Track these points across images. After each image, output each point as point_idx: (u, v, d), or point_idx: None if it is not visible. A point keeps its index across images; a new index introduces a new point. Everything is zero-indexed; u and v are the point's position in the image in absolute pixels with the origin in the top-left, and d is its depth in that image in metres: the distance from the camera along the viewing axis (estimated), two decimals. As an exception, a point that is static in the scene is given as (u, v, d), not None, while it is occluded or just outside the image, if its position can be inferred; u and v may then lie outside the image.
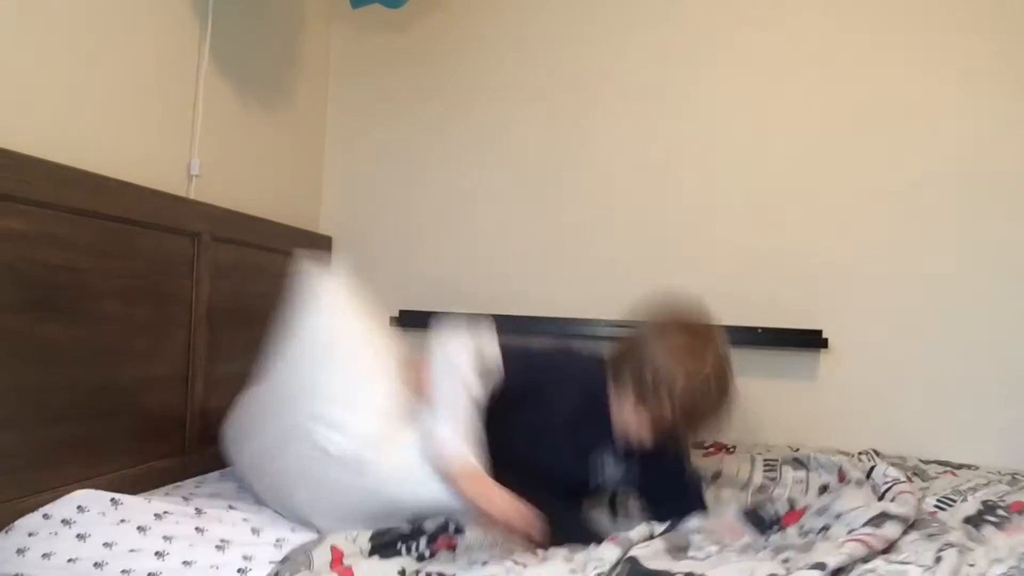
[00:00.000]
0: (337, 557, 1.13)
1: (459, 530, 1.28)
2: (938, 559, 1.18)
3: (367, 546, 1.18)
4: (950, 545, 1.23)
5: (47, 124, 1.45)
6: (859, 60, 2.19)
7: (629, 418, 1.39)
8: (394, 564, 1.11)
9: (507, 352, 1.42)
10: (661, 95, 2.31)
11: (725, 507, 1.55)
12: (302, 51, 2.38)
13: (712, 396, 1.38)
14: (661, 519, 1.39)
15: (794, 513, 1.50)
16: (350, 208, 2.51)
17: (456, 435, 1.25)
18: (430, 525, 1.27)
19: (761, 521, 1.48)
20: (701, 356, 1.36)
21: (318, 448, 1.29)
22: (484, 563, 1.14)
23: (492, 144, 2.43)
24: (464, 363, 1.34)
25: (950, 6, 2.14)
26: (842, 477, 1.69)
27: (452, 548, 1.23)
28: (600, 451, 1.48)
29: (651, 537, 1.22)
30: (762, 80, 2.25)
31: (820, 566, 1.13)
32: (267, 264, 2.10)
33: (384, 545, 1.19)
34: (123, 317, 1.53)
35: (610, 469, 1.48)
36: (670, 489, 1.50)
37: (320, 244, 2.43)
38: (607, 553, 1.12)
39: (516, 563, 1.13)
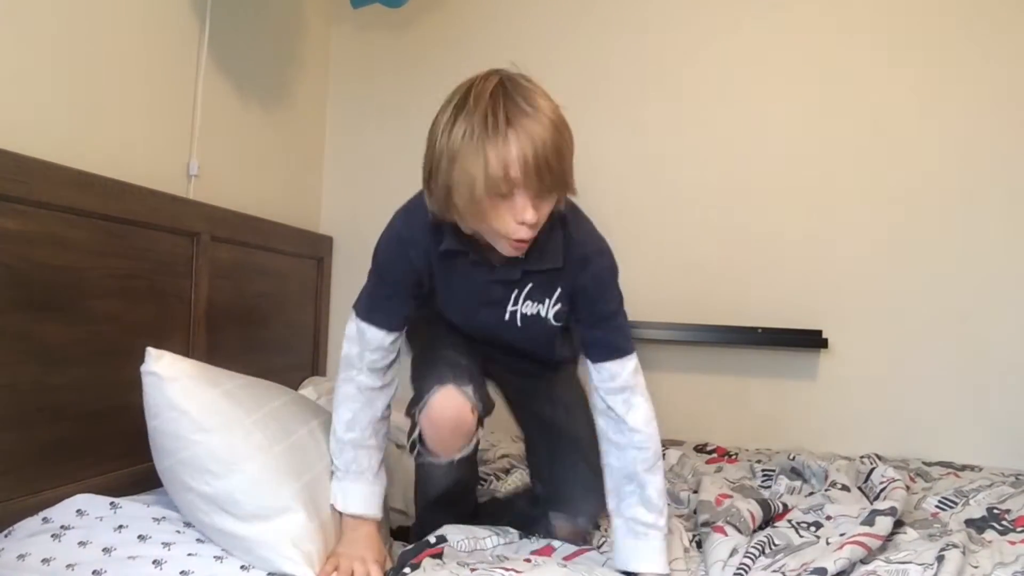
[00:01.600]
0: None
1: (441, 539, 1.27)
2: (940, 558, 1.18)
3: None
4: (953, 546, 1.23)
5: (45, 124, 1.44)
6: (858, 60, 2.19)
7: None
8: None
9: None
10: (661, 95, 2.31)
11: (742, 501, 1.54)
12: (302, 51, 2.37)
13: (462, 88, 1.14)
14: (592, 356, 1.27)
15: (782, 514, 1.50)
16: (350, 208, 2.51)
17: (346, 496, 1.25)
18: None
19: (768, 510, 1.47)
20: None
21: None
22: (473, 570, 1.14)
23: (492, 144, 2.42)
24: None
25: (952, 8, 2.14)
26: (828, 480, 1.69)
27: (438, 556, 1.23)
28: (507, 295, 1.29)
29: None
30: (763, 80, 2.25)
31: (821, 571, 1.13)
32: (267, 264, 2.09)
33: None
34: (122, 317, 1.53)
35: (523, 306, 1.30)
36: (598, 324, 1.29)
37: (320, 244, 2.42)
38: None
39: (507, 570, 1.12)
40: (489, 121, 1.08)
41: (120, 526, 1.19)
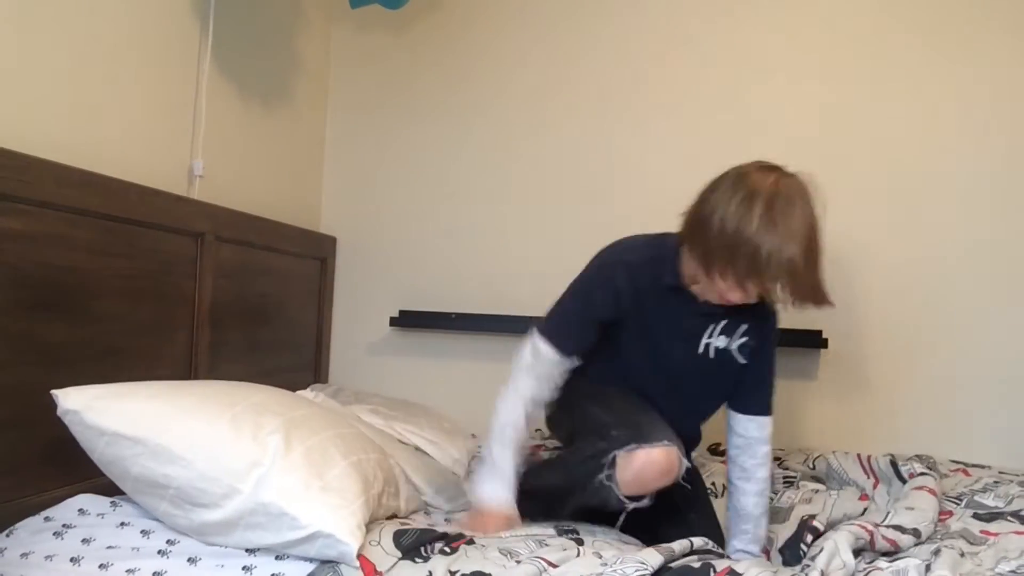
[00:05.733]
0: (369, 569, 1.11)
1: None
2: (936, 551, 1.21)
3: (394, 551, 1.16)
4: (949, 547, 1.25)
5: (49, 124, 1.45)
6: (855, 57, 2.19)
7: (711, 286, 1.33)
8: (427, 567, 1.11)
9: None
10: (662, 96, 2.31)
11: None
12: (302, 51, 2.38)
13: (754, 222, 1.23)
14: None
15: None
16: (351, 208, 2.52)
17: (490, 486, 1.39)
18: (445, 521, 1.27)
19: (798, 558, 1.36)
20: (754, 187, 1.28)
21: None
22: (518, 562, 1.14)
23: (492, 144, 2.43)
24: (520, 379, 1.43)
25: (938, 8, 2.15)
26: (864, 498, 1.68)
27: (472, 542, 1.23)
28: (704, 328, 1.43)
29: (691, 552, 1.20)
30: (758, 79, 2.25)
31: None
32: (270, 264, 2.10)
33: (410, 548, 1.17)
34: (126, 317, 1.54)
35: (716, 339, 1.44)
36: (753, 378, 1.47)
37: (324, 244, 2.43)
38: (650, 558, 1.12)
39: (550, 564, 1.13)
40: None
41: (122, 523, 1.20)
